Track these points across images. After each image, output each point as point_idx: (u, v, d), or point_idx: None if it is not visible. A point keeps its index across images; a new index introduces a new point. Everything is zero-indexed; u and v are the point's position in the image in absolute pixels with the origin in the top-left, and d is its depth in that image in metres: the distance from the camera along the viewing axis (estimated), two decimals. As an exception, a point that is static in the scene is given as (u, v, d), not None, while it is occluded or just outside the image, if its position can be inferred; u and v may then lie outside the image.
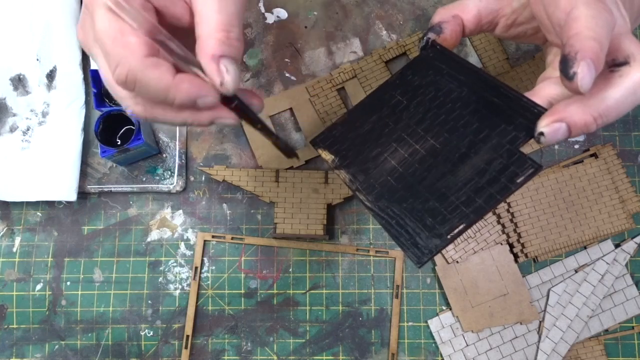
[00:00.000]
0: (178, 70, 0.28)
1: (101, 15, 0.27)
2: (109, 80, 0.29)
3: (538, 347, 0.49)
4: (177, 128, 0.51)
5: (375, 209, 0.35)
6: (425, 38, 0.36)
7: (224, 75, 0.28)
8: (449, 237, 0.31)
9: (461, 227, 0.31)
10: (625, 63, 0.28)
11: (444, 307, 0.50)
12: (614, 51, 0.29)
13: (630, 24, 0.33)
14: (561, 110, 0.28)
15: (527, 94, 0.32)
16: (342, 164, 0.38)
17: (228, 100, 0.29)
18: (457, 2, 0.36)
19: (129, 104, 0.29)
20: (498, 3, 0.35)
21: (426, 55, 0.37)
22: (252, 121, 0.32)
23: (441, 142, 0.34)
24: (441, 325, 0.49)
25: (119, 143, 0.49)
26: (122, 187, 0.51)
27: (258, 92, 0.33)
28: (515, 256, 0.50)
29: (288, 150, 0.38)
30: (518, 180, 0.30)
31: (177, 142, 0.51)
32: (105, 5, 0.27)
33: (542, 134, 0.29)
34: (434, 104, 0.35)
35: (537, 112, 0.30)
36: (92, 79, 0.48)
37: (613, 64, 0.29)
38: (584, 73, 0.26)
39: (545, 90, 0.32)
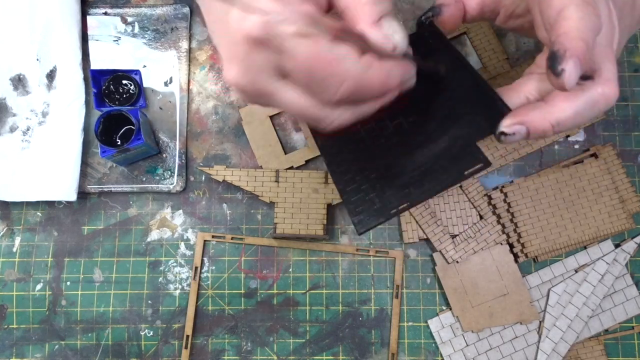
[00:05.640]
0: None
1: (296, 41, 0.25)
2: (310, 107, 0.27)
3: (538, 347, 0.49)
4: (177, 127, 0.51)
5: (336, 173, 0.37)
6: (423, 16, 0.37)
7: (394, 38, 0.26)
8: (391, 212, 0.33)
9: (404, 205, 0.33)
10: (589, 77, 0.30)
11: (444, 307, 0.50)
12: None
13: (628, 29, 0.33)
14: (524, 114, 0.30)
15: (507, 88, 0.33)
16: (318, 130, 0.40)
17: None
18: None
19: (335, 117, 0.28)
20: None
21: (421, 34, 0.38)
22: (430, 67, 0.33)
23: (410, 122, 0.35)
24: (441, 325, 0.49)
25: (119, 143, 0.49)
26: (122, 187, 0.51)
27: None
28: (515, 256, 0.50)
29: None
30: (466, 172, 0.32)
31: (177, 142, 0.51)
32: (296, 30, 0.24)
33: (503, 133, 0.31)
34: (415, 85, 0.36)
35: (502, 111, 0.31)
36: (92, 79, 0.49)
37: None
38: (570, 70, 0.27)
39: (525, 85, 0.33)
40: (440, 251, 0.49)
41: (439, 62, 0.36)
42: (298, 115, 0.28)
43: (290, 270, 0.51)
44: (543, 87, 0.32)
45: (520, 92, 0.32)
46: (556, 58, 0.28)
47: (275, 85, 0.27)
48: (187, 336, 0.49)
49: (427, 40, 0.37)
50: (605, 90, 0.29)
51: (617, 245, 0.50)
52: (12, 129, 0.50)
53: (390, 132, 0.36)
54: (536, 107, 0.30)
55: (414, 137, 0.35)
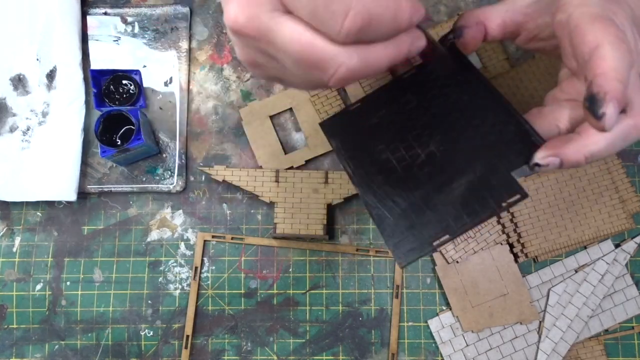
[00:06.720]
0: None
1: None
2: (314, 44, 0.25)
3: (538, 347, 0.49)
4: (177, 127, 0.51)
5: (372, 205, 0.36)
6: (445, 40, 0.37)
7: None
8: (433, 245, 0.33)
9: (445, 238, 0.32)
10: (622, 110, 0.30)
11: (444, 307, 0.50)
12: None
13: None
14: (558, 147, 0.30)
15: (537, 115, 0.33)
16: (345, 153, 0.38)
17: None
18: (484, 7, 0.36)
19: (343, 59, 0.25)
20: (524, 17, 0.35)
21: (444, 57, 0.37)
22: (433, 42, 0.32)
23: (442, 151, 0.35)
24: (441, 325, 0.49)
25: (119, 143, 0.49)
26: (122, 187, 0.51)
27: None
28: (515, 256, 0.50)
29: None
30: (503, 204, 0.32)
31: (177, 142, 0.51)
32: None
33: (537, 164, 0.31)
34: (442, 110, 0.36)
35: (537, 142, 0.31)
36: (92, 79, 0.49)
37: None
38: (611, 114, 0.28)
39: (554, 114, 0.33)
40: (440, 251, 0.49)
41: (464, 88, 0.35)
42: (301, 58, 0.25)
43: (290, 270, 0.51)
44: (574, 116, 0.32)
45: (550, 120, 0.32)
46: (596, 101, 0.28)
47: (276, 20, 0.25)
48: (187, 336, 0.49)
49: (450, 65, 0.37)
50: (637, 122, 0.29)
51: (617, 245, 0.50)
52: (12, 129, 0.50)
53: (421, 162, 0.35)
54: (570, 140, 0.30)
55: (446, 166, 0.34)
